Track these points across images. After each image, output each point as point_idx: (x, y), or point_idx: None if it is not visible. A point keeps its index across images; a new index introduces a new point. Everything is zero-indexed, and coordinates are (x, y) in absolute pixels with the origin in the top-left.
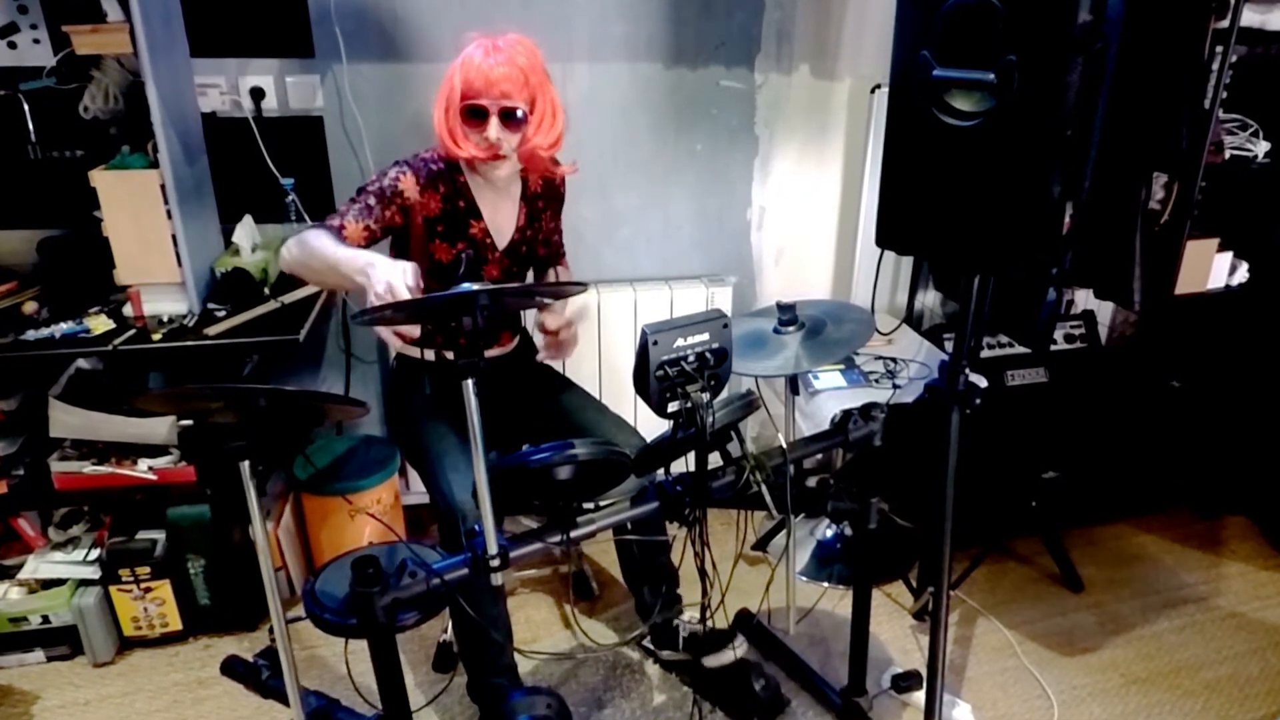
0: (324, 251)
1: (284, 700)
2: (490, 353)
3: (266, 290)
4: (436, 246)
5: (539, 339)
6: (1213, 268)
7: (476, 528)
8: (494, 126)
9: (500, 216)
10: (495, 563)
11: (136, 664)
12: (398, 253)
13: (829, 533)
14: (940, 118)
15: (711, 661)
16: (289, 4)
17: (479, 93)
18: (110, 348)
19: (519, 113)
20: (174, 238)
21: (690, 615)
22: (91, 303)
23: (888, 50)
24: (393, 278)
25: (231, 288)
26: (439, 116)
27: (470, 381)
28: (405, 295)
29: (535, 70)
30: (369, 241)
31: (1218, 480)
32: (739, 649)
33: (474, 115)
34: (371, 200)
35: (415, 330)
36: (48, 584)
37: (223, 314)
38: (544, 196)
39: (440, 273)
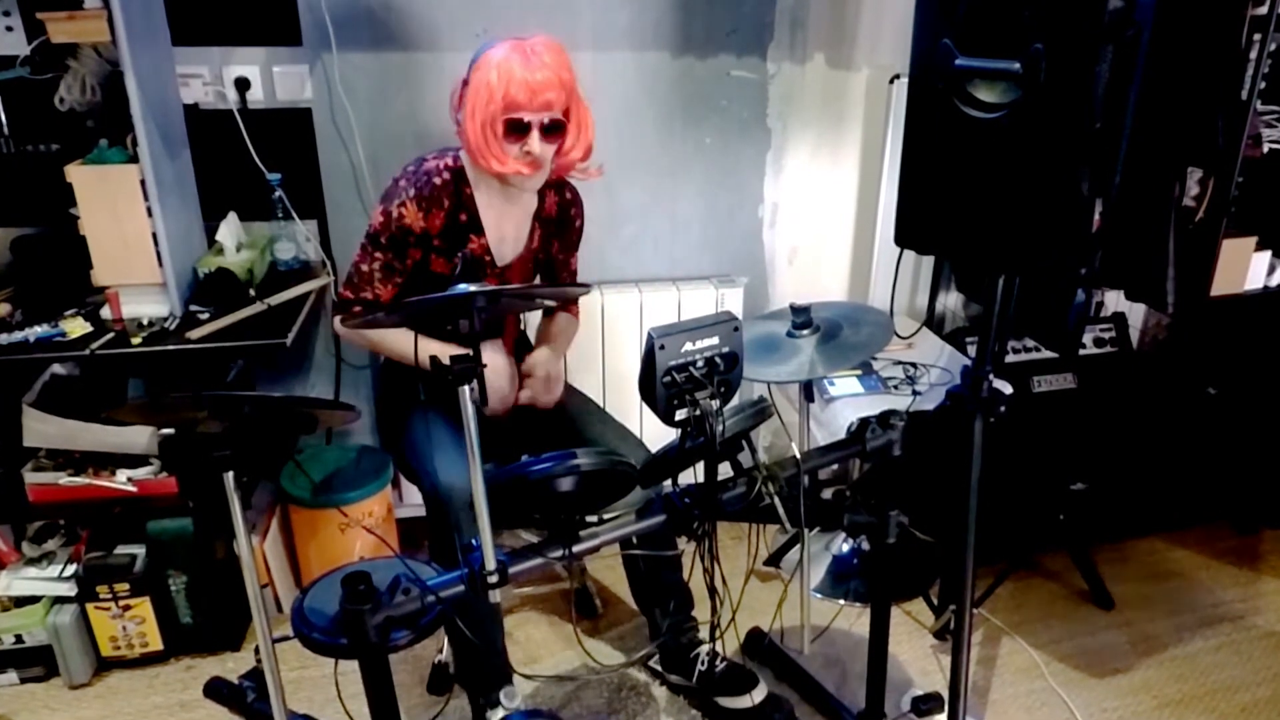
0: (398, 348)
1: None
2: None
3: (252, 291)
4: (434, 260)
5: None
6: (1250, 268)
7: (474, 542)
8: (535, 140)
9: (506, 230)
10: (493, 579)
11: (115, 686)
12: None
13: (845, 547)
14: (963, 110)
15: (728, 704)
16: None
17: (521, 106)
18: (87, 352)
19: (560, 123)
20: (154, 236)
21: (708, 647)
22: (67, 305)
23: (907, 38)
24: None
25: (215, 289)
26: (472, 130)
27: (467, 388)
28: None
29: (571, 75)
30: (400, 288)
31: (1256, 492)
32: (757, 695)
33: (515, 129)
34: (390, 254)
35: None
36: (21, 601)
37: (206, 316)
38: (556, 222)
39: (437, 284)
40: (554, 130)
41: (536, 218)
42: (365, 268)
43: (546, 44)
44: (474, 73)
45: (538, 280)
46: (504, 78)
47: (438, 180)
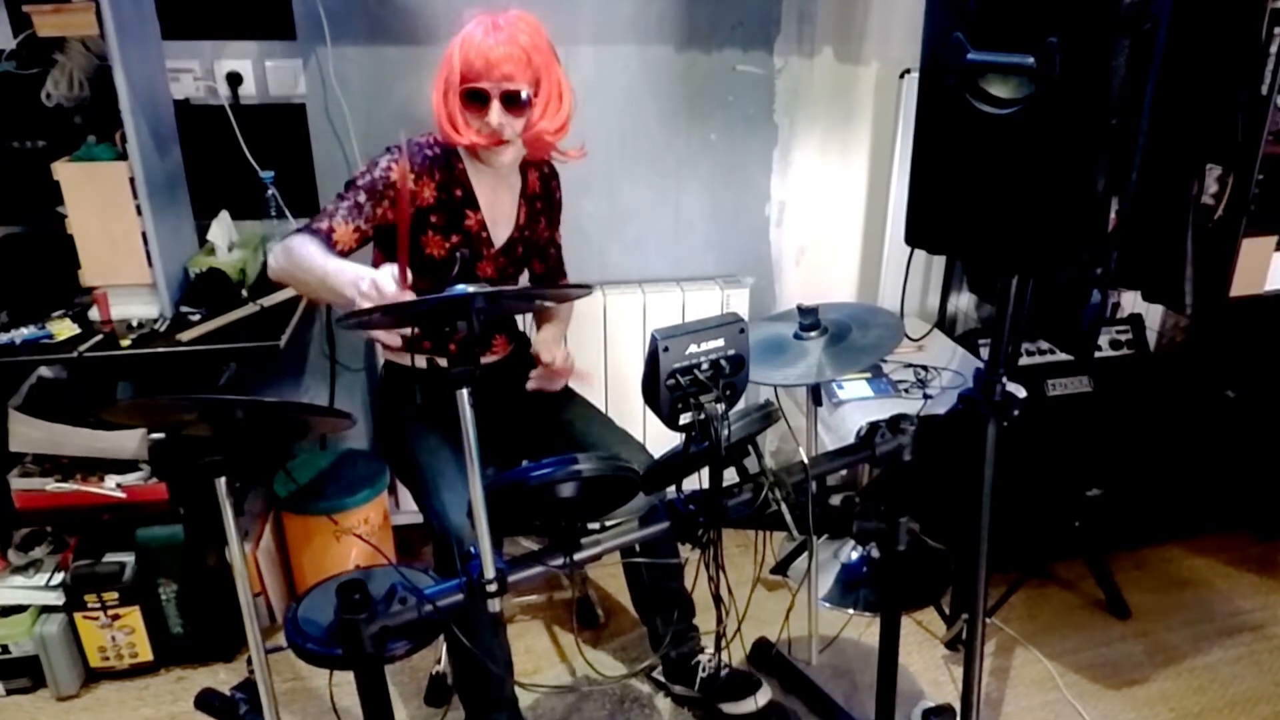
0: (312, 262)
1: None
2: (484, 359)
3: (244, 292)
4: (429, 240)
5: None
6: (1271, 267)
7: (473, 550)
8: (495, 111)
9: (499, 209)
10: (493, 588)
11: (104, 698)
12: (383, 249)
13: (854, 555)
14: (975, 105)
15: (731, 709)
16: None
17: (479, 75)
18: (75, 355)
19: (522, 95)
20: (144, 235)
21: (710, 654)
22: (55, 306)
23: (918, 32)
24: (379, 276)
25: (207, 289)
26: (437, 100)
27: (465, 392)
28: (391, 289)
29: (539, 49)
30: (361, 242)
31: (1276, 498)
32: (761, 699)
33: (474, 99)
34: (362, 196)
35: (396, 340)
36: (7, 611)
37: (197, 318)
38: (541, 198)
39: (430, 269)
40: (514, 102)
41: (523, 196)
42: (331, 206)
43: (518, 16)
44: (447, 48)
45: (527, 276)
46: (465, 48)
47: (429, 152)
